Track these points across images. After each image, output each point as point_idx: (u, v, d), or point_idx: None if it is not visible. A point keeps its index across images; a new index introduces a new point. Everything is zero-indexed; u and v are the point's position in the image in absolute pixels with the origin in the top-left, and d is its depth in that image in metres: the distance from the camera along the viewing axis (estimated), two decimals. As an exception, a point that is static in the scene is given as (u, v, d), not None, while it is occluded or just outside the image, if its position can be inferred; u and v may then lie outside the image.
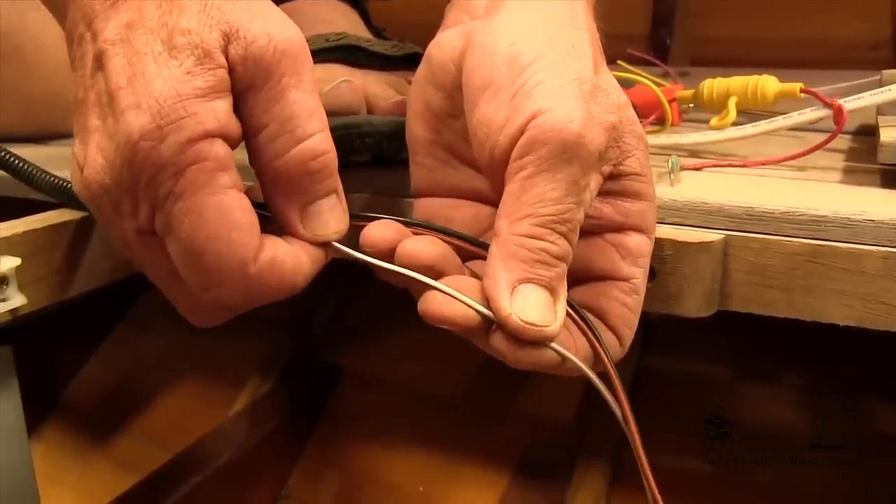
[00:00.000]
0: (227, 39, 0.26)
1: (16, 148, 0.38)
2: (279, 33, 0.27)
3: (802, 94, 0.43)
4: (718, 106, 0.46)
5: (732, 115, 0.44)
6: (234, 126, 0.26)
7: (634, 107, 0.58)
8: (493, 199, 0.32)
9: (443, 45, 0.31)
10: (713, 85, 0.46)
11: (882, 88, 0.41)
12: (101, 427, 0.60)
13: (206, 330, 0.30)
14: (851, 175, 0.40)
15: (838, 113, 0.41)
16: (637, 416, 0.28)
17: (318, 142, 0.27)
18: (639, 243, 0.30)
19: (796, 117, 0.42)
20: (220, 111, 0.26)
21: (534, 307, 0.26)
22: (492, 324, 0.27)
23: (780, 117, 0.42)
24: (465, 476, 0.52)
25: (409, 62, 0.47)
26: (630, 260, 0.30)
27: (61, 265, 0.35)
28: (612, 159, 0.28)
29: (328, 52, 0.44)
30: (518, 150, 0.27)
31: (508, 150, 0.27)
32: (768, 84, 0.44)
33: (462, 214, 0.33)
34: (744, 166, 0.42)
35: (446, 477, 0.52)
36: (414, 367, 0.55)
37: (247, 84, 0.26)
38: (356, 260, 0.29)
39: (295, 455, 0.54)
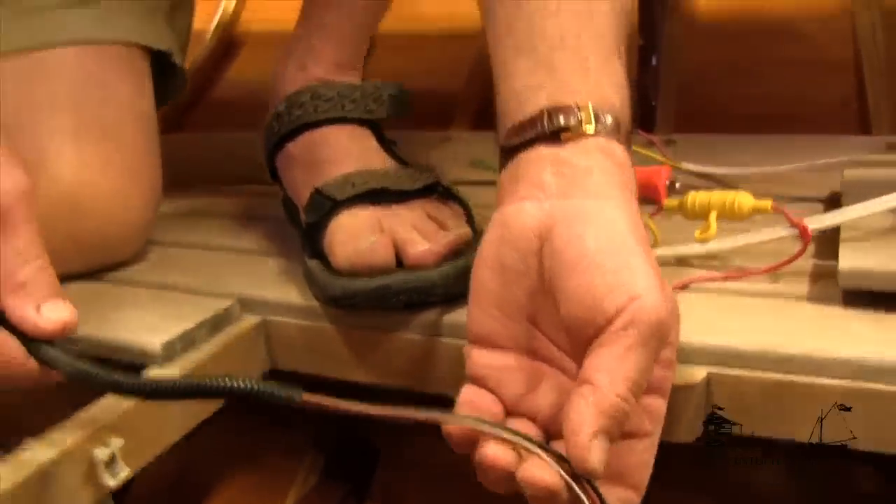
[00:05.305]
0: None
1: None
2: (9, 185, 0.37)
3: (773, 210, 0.49)
4: (701, 215, 0.52)
5: (713, 229, 0.50)
6: None
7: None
8: (543, 353, 0.37)
9: (523, 216, 0.36)
10: (696, 198, 0.52)
11: (843, 209, 0.47)
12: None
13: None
14: (819, 284, 0.46)
15: (804, 232, 0.47)
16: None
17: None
18: (661, 406, 0.36)
19: (769, 234, 0.48)
20: None
21: (602, 454, 0.31)
22: None
23: (754, 234, 0.49)
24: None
25: (426, 191, 0.53)
26: (653, 422, 0.36)
27: (155, 435, 0.41)
28: None
29: (356, 197, 0.50)
30: (622, 320, 0.32)
31: (613, 316, 0.32)
32: (744, 200, 0.50)
33: (513, 379, 0.37)
34: (725, 279, 0.48)
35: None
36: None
37: None
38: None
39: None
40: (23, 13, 0.55)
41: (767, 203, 0.50)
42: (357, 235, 0.47)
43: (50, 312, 0.37)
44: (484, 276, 0.37)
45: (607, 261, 0.33)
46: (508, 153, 0.40)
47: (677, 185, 0.65)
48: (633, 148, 0.69)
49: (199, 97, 1.15)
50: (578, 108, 0.38)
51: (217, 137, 0.95)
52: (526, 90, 0.40)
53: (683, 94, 0.85)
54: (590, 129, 0.37)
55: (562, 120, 0.37)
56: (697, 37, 0.91)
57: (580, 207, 0.35)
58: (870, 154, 0.64)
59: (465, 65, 1.00)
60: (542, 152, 0.38)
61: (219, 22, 1.24)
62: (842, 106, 0.78)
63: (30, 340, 0.36)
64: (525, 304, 0.37)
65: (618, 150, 0.38)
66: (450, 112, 0.96)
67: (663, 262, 0.51)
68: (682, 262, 0.51)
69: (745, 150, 0.71)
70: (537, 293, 0.36)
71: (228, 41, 1.25)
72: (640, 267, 0.33)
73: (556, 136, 0.38)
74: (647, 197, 0.65)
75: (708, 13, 0.94)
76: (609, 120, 0.38)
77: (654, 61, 0.80)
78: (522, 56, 0.41)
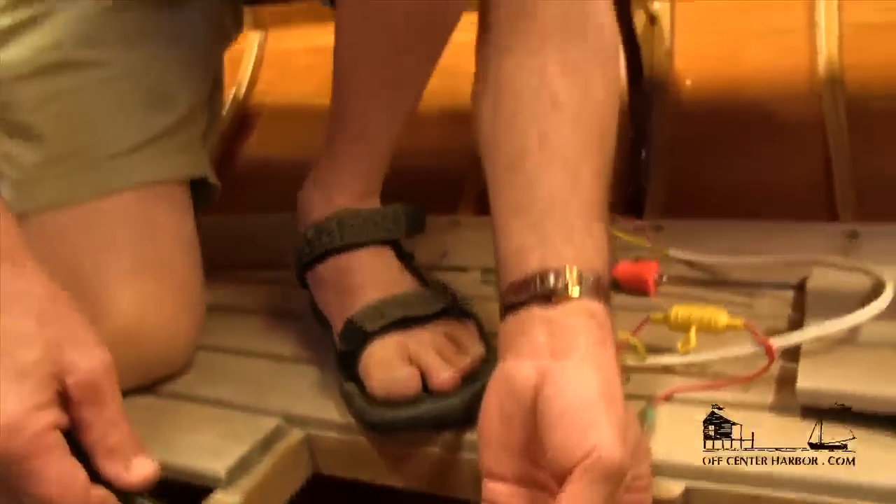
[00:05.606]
0: (63, 371, 0.42)
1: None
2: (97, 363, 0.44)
3: (744, 327, 0.57)
4: (683, 328, 0.60)
5: (693, 343, 0.58)
6: (62, 420, 0.42)
7: (617, 283, 0.76)
8: (543, 484, 0.44)
9: (523, 373, 0.44)
10: (678, 313, 0.60)
11: (805, 329, 0.55)
12: None
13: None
14: (782, 392, 0.54)
15: (769, 350, 0.55)
16: None
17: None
18: None
19: (739, 350, 0.56)
20: (51, 414, 0.41)
21: None
22: None
23: (728, 349, 0.57)
24: None
25: (445, 312, 0.60)
26: None
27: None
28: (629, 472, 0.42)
29: (385, 326, 0.58)
30: (584, 465, 0.39)
31: (580, 459, 0.40)
32: (719, 318, 0.58)
33: None
34: (707, 388, 0.56)
35: None
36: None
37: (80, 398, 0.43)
38: None
39: None
40: (87, 166, 0.63)
41: (739, 321, 0.58)
42: (389, 366, 0.55)
43: (137, 469, 0.44)
44: (489, 421, 0.46)
45: (580, 418, 0.41)
46: (508, 308, 0.48)
47: (665, 278, 0.73)
48: (623, 236, 0.78)
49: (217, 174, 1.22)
50: (566, 272, 0.46)
51: (242, 220, 1.02)
52: (521, 250, 0.48)
53: (672, 178, 0.92)
54: (575, 292, 0.46)
55: (551, 283, 0.46)
56: (684, 118, 0.99)
57: (565, 369, 0.43)
58: (834, 249, 0.72)
59: (467, 143, 1.07)
60: (537, 313, 0.46)
61: (234, 97, 1.32)
62: (809, 190, 0.85)
63: (120, 493, 0.44)
64: (524, 444, 0.45)
65: (598, 309, 0.46)
66: (454, 191, 1.03)
67: (651, 370, 0.60)
68: (668, 369, 0.59)
69: (726, 237, 0.79)
70: (533, 436, 0.44)
71: (243, 115, 1.32)
72: (603, 422, 0.41)
73: (547, 298, 0.46)
74: (638, 290, 0.73)
75: (695, 92, 1.02)
76: (591, 280, 0.46)
77: (643, 154, 0.88)
78: (518, 217, 0.49)
